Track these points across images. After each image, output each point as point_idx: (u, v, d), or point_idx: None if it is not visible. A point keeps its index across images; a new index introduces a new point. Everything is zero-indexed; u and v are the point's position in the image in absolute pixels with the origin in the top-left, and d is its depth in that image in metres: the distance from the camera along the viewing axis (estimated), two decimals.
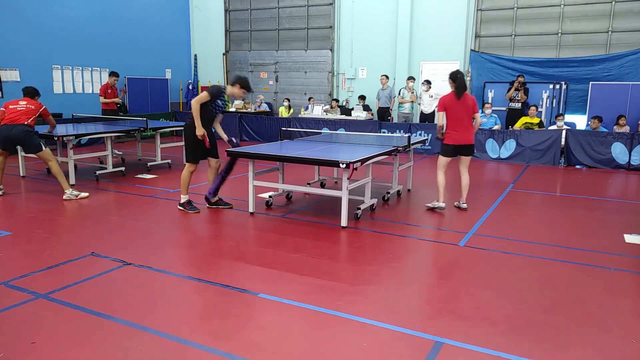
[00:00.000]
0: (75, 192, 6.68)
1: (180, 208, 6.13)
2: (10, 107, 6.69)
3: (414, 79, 12.32)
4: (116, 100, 10.41)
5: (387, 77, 12.76)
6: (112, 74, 10.41)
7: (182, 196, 6.13)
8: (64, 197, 6.60)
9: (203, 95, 5.77)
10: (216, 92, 5.83)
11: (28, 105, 6.75)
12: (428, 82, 12.12)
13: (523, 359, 2.90)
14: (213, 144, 6.11)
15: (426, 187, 7.91)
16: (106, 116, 10.18)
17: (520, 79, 11.43)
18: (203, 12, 16.54)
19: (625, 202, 7.28)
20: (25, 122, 6.59)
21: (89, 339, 3.06)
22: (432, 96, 12.01)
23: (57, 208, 6.25)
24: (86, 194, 6.76)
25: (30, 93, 6.98)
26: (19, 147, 7.50)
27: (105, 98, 10.22)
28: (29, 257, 4.50)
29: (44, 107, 6.93)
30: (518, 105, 11.46)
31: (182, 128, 6.26)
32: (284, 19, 15.58)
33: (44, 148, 6.70)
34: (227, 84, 16.11)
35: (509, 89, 11.53)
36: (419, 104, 12.36)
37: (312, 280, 4.04)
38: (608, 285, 4.05)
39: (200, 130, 5.80)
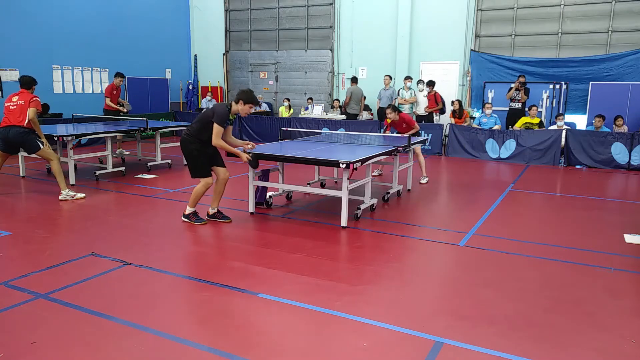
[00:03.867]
0: (72, 193, 6.63)
1: (185, 220, 5.66)
2: (5, 105, 6.55)
3: (411, 79, 12.30)
4: (121, 108, 10.35)
5: (390, 77, 12.75)
6: (118, 74, 10.36)
7: (188, 207, 5.66)
8: (60, 197, 6.55)
9: (217, 130, 5.32)
10: (224, 117, 5.36)
11: (19, 102, 6.48)
12: (423, 83, 12.12)
13: (523, 359, 2.91)
14: (215, 152, 5.64)
15: (426, 187, 7.91)
16: (106, 116, 10.17)
17: (521, 79, 11.42)
18: (203, 12, 16.54)
19: (625, 202, 7.27)
20: (23, 124, 6.40)
21: (89, 339, 3.06)
22: (425, 95, 12.03)
23: (57, 208, 6.24)
24: (82, 195, 6.70)
25: (27, 83, 6.58)
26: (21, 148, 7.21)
27: (110, 100, 10.20)
28: (29, 257, 4.50)
29: (34, 98, 6.49)
30: (518, 105, 11.45)
31: (180, 138, 5.63)
32: (284, 19, 15.58)
33: (42, 146, 6.60)
34: (226, 86, 16.41)
35: (510, 89, 11.53)
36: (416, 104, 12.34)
37: (311, 280, 4.04)
38: (608, 285, 4.04)
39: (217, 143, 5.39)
